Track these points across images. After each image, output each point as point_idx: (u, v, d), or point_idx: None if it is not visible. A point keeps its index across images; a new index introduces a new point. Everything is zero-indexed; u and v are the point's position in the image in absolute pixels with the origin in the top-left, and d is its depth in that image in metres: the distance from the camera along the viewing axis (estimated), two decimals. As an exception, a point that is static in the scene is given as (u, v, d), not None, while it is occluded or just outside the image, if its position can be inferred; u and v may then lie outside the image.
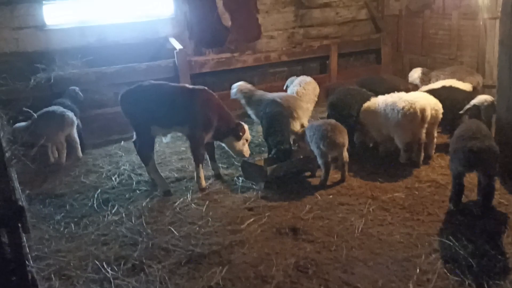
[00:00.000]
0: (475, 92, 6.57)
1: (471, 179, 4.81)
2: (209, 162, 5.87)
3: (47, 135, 6.14)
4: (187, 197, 5.24)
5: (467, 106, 5.51)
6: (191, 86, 5.67)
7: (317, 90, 7.27)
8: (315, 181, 5.44)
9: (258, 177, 5.39)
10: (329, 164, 5.28)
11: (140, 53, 7.98)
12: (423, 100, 5.49)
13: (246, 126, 5.69)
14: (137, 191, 5.51)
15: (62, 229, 4.73)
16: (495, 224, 4.21)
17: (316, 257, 3.89)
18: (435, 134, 5.81)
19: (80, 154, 6.73)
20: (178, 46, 7.91)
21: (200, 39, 8.62)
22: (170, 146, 6.98)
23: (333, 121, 5.44)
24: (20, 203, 3.26)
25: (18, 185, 4.64)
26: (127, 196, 5.40)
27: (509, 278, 3.50)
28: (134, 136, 5.70)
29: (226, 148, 5.86)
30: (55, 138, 6.37)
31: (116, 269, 3.92)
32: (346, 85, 6.80)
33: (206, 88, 5.65)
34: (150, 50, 8.18)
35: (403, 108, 5.38)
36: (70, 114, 6.45)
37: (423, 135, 5.55)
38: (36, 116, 6.22)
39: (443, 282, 3.49)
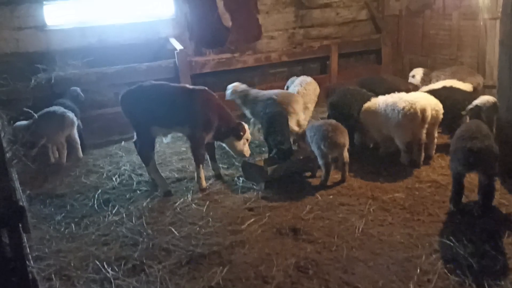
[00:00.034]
0: (475, 93, 6.58)
1: (472, 179, 4.81)
2: (210, 162, 5.87)
3: (48, 136, 6.16)
4: (188, 198, 5.24)
5: (470, 107, 5.50)
6: (191, 87, 5.67)
7: (318, 90, 7.27)
8: (315, 182, 5.44)
9: (259, 178, 5.39)
10: (330, 165, 5.28)
11: (140, 54, 7.99)
12: (424, 101, 5.49)
13: (246, 126, 5.70)
14: (138, 192, 5.52)
15: (62, 229, 4.73)
16: (496, 224, 4.21)
17: (317, 258, 3.89)
18: (436, 135, 5.81)
19: (81, 154, 6.74)
20: (178, 46, 7.92)
21: (200, 39, 8.62)
22: (171, 147, 6.98)
23: (333, 121, 5.44)
24: (21, 203, 3.26)
25: (18, 185, 4.63)
26: (127, 196, 5.40)
27: (509, 278, 3.50)
28: (135, 137, 5.71)
29: (227, 148, 5.86)
30: (55, 138, 6.38)
31: (116, 269, 3.92)
32: (347, 86, 6.80)
33: (206, 88, 5.65)
34: (151, 50, 8.19)
35: (403, 108, 5.38)
36: (71, 114, 6.46)
37: (424, 136, 5.55)
38: (36, 116, 6.23)
39: (443, 282, 3.49)
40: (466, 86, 6.40)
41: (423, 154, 5.64)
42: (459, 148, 4.29)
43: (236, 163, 6.11)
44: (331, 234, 4.26)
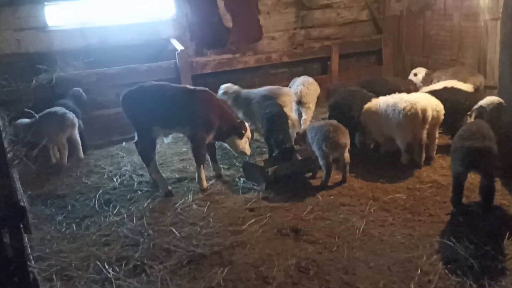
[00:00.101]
0: (476, 93, 6.57)
1: (472, 179, 4.80)
2: (210, 163, 5.87)
3: (49, 136, 6.16)
4: (189, 198, 5.25)
5: (474, 107, 5.49)
6: (192, 87, 5.68)
7: (318, 90, 7.30)
8: (316, 182, 5.44)
9: (259, 178, 5.39)
10: (331, 165, 5.28)
11: (141, 54, 8.00)
12: (424, 101, 5.48)
13: (247, 124, 5.72)
14: (139, 192, 5.52)
15: (63, 229, 4.74)
16: (497, 225, 4.20)
17: (317, 258, 3.89)
18: (437, 135, 5.81)
19: (82, 155, 6.75)
20: (179, 47, 7.93)
21: (201, 40, 8.63)
22: (172, 147, 6.99)
23: (334, 121, 5.44)
24: (22, 204, 3.26)
25: (19, 186, 4.65)
26: (128, 196, 5.41)
27: (510, 279, 3.49)
28: (136, 137, 5.71)
29: (228, 147, 5.87)
30: (56, 139, 6.39)
31: (117, 269, 3.92)
32: (347, 86, 6.80)
33: (207, 89, 5.66)
34: (152, 51, 8.20)
35: (404, 108, 5.38)
36: (71, 115, 6.47)
37: (424, 136, 5.54)
38: (37, 117, 6.24)
39: (444, 283, 3.48)
40: (467, 87, 6.39)
41: (424, 155, 5.63)
42: (458, 148, 4.30)
43: (237, 164, 6.11)
44: (332, 235, 4.26)
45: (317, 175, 5.56)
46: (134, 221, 4.78)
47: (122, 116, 5.79)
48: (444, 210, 4.56)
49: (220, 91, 6.90)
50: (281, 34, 9.29)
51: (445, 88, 6.18)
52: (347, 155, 5.30)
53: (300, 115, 7.01)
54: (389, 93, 5.86)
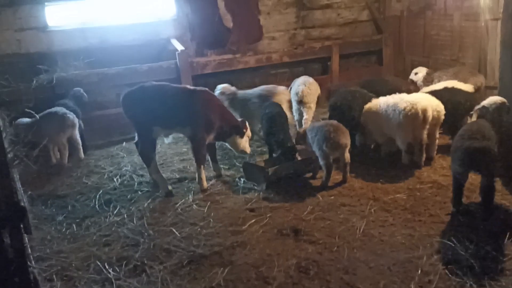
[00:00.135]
0: (477, 93, 6.57)
1: (473, 180, 4.80)
2: (211, 163, 5.88)
3: (49, 136, 6.16)
4: (189, 198, 5.25)
5: (477, 107, 5.49)
6: (192, 87, 5.68)
7: (319, 91, 7.30)
8: (316, 182, 5.44)
9: (260, 178, 5.39)
10: (331, 165, 5.27)
11: (142, 55, 8.00)
12: (425, 101, 5.48)
13: (247, 123, 5.73)
14: (139, 192, 5.52)
15: (64, 230, 4.74)
16: (497, 225, 4.20)
17: (318, 258, 3.89)
18: (437, 136, 5.80)
19: (82, 155, 6.75)
20: (180, 47, 7.93)
21: (201, 40, 8.63)
22: (172, 147, 6.99)
23: (335, 122, 5.44)
24: (22, 204, 3.26)
25: (20, 186, 4.64)
26: (128, 197, 5.41)
27: (510, 279, 3.49)
28: (136, 137, 5.71)
29: (229, 146, 5.87)
30: (56, 139, 6.39)
31: (117, 270, 3.92)
32: (348, 87, 6.80)
33: (207, 89, 5.66)
34: (152, 51, 8.20)
35: (404, 108, 5.38)
36: (71, 115, 6.47)
37: (425, 136, 5.54)
38: (38, 117, 6.24)
39: (444, 283, 3.48)
40: (467, 87, 6.39)
41: (424, 155, 5.63)
42: (457, 148, 4.31)
43: (237, 164, 6.11)
44: (332, 235, 4.26)
45: (317, 175, 5.56)
46: (135, 221, 4.79)
47: (122, 116, 5.79)
48: (444, 210, 4.56)
49: (217, 91, 6.91)
50: (282, 34, 9.29)
51: (445, 89, 6.18)
52: (347, 155, 5.30)
53: (301, 115, 7.01)
54: (390, 93, 5.85)
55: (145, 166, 5.73)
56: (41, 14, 7.55)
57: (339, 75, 9.26)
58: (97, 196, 5.45)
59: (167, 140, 6.43)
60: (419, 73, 7.65)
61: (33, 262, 3.52)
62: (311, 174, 5.62)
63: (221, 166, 6.01)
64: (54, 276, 3.90)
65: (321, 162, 5.27)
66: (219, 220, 4.69)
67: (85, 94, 7.11)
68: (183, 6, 8.39)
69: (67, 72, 7.37)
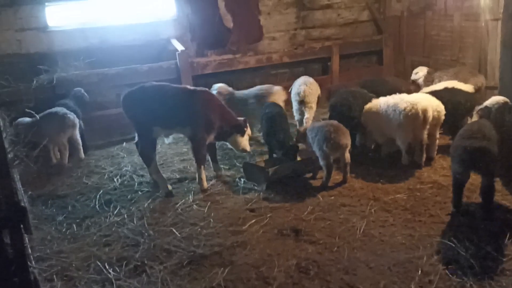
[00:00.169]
0: (477, 94, 6.57)
1: (473, 180, 4.79)
2: (211, 163, 5.88)
3: (49, 136, 6.16)
4: (189, 198, 5.25)
5: (480, 107, 5.48)
6: (192, 88, 5.68)
7: (319, 91, 7.30)
8: (316, 182, 5.44)
9: (260, 178, 5.39)
10: (331, 166, 5.27)
11: (142, 55, 8.01)
12: (425, 101, 5.48)
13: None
14: (139, 192, 5.52)
15: (64, 230, 4.74)
16: (497, 225, 4.19)
17: (318, 258, 3.89)
18: (437, 136, 5.80)
19: (82, 155, 6.75)
20: (180, 47, 7.93)
21: (202, 40, 8.63)
22: (172, 147, 6.99)
23: (335, 122, 5.43)
24: (23, 204, 3.26)
25: (20, 186, 4.64)
26: (129, 197, 5.41)
27: (511, 279, 3.48)
28: (136, 137, 5.71)
29: (230, 146, 5.87)
30: (57, 139, 6.39)
31: (118, 270, 3.92)
32: (348, 87, 6.80)
33: (207, 89, 5.66)
34: (152, 51, 8.20)
35: (404, 109, 5.38)
36: (72, 115, 6.47)
37: (425, 137, 5.54)
38: (38, 117, 6.24)
39: (444, 283, 3.48)
40: (468, 87, 6.39)
41: (424, 155, 5.63)
42: (457, 147, 4.32)
43: (238, 164, 6.11)
44: (332, 235, 4.26)
45: (317, 175, 5.56)
46: (135, 222, 4.79)
47: (122, 116, 5.79)
48: (444, 210, 4.56)
49: (213, 91, 6.93)
50: (282, 35, 9.29)
51: (445, 89, 6.18)
52: (347, 155, 5.30)
53: (301, 114, 7.02)
54: (390, 94, 5.85)
55: (145, 166, 5.73)
56: (41, 14, 7.55)
57: (339, 75, 9.26)
58: (97, 196, 5.45)
59: (167, 140, 6.43)
60: (419, 72, 7.64)
61: (33, 262, 3.53)
62: (311, 174, 5.62)
63: (221, 166, 6.01)
64: (54, 276, 3.90)
65: (321, 163, 5.27)
66: (219, 220, 4.69)
67: (86, 94, 7.11)
68: (183, 6, 8.39)
69: (67, 72, 7.38)
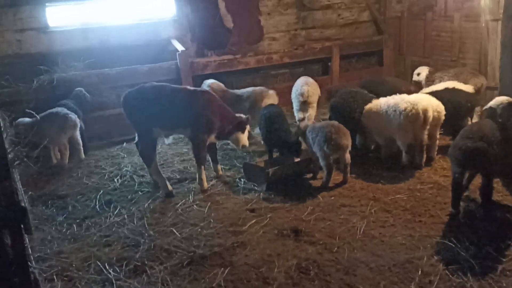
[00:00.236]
0: (477, 94, 6.57)
1: (474, 180, 4.79)
2: (211, 163, 5.88)
3: (50, 137, 6.16)
4: (189, 199, 5.25)
5: (484, 107, 5.48)
6: (192, 88, 5.68)
7: (319, 91, 7.32)
8: (316, 183, 5.44)
9: (260, 179, 5.39)
10: (332, 166, 5.27)
11: (142, 55, 8.01)
12: (425, 102, 5.48)
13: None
14: (139, 193, 5.52)
15: (64, 230, 4.74)
16: (498, 225, 4.20)
17: (318, 259, 3.89)
18: (437, 136, 5.80)
19: (83, 155, 6.75)
20: (180, 48, 7.94)
21: (202, 41, 8.64)
22: (172, 148, 6.99)
23: (336, 122, 5.43)
24: (23, 204, 3.26)
25: (20, 186, 4.65)
26: (129, 197, 5.41)
27: (511, 280, 3.48)
28: (136, 138, 5.71)
29: (231, 143, 5.88)
30: (57, 139, 6.39)
31: (118, 270, 3.92)
32: (348, 87, 6.81)
33: (208, 89, 5.66)
34: (152, 52, 8.20)
35: (405, 109, 5.38)
36: (73, 116, 6.47)
37: (425, 137, 5.54)
38: (39, 117, 6.24)
39: (445, 284, 3.48)
40: (468, 88, 6.39)
41: (424, 156, 5.63)
42: (453, 147, 4.34)
43: (238, 164, 6.11)
44: (332, 235, 4.25)
45: (318, 175, 5.56)
46: (135, 222, 4.79)
47: (123, 117, 5.79)
48: (444, 211, 4.55)
49: (204, 86, 6.93)
50: (282, 35, 9.30)
51: (446, 89, 6.18)
52: (348, 156, 5.29)
53: (303, 114, 7.05)
54: (390, 94, 5.85)
55: (145, 166, 5.73)
56: (41, 14, 7.55)
57: (340, 75, 9.26)
58: (98, 196, 5.46)
59: (168, 141, 6.43)
60: (422, 73, 7.64)
61: (33, 263, 3.52)
62: (311, 174, 5.62)
63: (222, 166, 6.01)
64: (54, 276, 3.89)
65: (322, 163, 5.27)
66: (220, 221, 4.69)
67: (87, 94, 7.11)
68: (183, 6, 8.40)
69: (67, 73, 7.38)
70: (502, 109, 5.29)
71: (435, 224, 4.33)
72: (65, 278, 3.89)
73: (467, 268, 3.61)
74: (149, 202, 5.23)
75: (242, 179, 5.65)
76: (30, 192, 5.49)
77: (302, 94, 6.94)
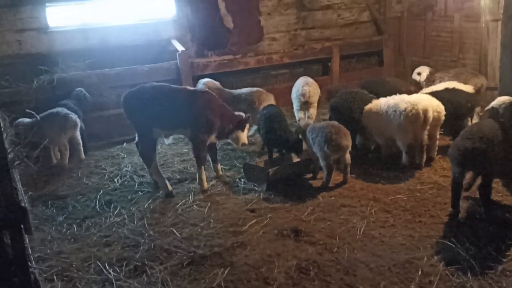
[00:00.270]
0: (477, 94, 6.57)
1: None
2: (211, 163, 5.88)
3: (50, 137, 6.16)
4: (189, 199, 5.25)
5: (487, 108, 5.47)
6: (193, 88, 5.69)
7: (319, 91, 7.32)
8: (316, 183, 5.44)
9: (260, 179, 5.39)
10: (332, 166, 5.27)
11: (142, 55, 8.01)
12: (425, 102, 5.48)
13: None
14: (139, 193, 5.52)
15: (64, 230, 4.74)
16: (498, 225, 4.20)
17: (318, 259, 3.89)
18: (438, 136, 5.80)
19: (83, 155, 6.75)
20: (180, 48, 7.94)
21: (202, 41, 8.64)
22: (172, 148, 6.99)
23: (336, 123, 5.43)
24: (23, 205, 3.26)
25: (20, 187, 4.65)
26: (129, 197, 5.41)
27: (511, 280, 3.48)
28: (136, 138, 5.71)
29: (231, 142, 5.88)
30: (57, 139, 6.39)
31: (118, 270, 3.92)
32: (348, 88, 6.81)
33: (208, 89, 5.66)
34: (153, 52, 8.20)
35: (405, 109, 5.38)
36: (73, 116, 6.47)
37: (425, 137, 5.54)
38: (39, 117, 6.24)
39: (445, 284, 3.48)
40: (468, 88, 6.39)
41: (425, 156, 5.63)
42: (452, 147, 4.35)
43: (238, 164, 6.11)
44: (332, 236, 4.25)
45: (318, 176, 5.56)
46: (135, 222, 4.79)
47: (123, 117, 5.79)
48: (444, 211, 4.55)
49: (199, 85, 6.92)
50: (282, 35, 9.30)
51: (446, 89, 6.18)
52: (348, 156, 5.30)
53: (304, 114, 7.05)
54: (390, 94, 5.86)
55: (145, 166, 5.73)
56: (42, 15, 7.56)
57: (340, 76, 9.26)
58: (98, 196, 5.46)
59: (168, 141, 6.43)
60: (422, 73, 7.63)
61: (33, 263, 3.53)
62: (311, 175, 5.62)
63: (222, 166, 6.01)
64: (54, 276, 3.89)
65: (322, 163, 5.27)
66: (220, 221, 4.69)
67: (87, 94, 7.12)
68: (183, 6, 8.40)
69: (67, 73, 7.38)
70: (504, 109, 5.28)
71: (435, 224, 4.33)
72: (65, 278, 3.89)
73: (467, 268, 3.61)
74: (149, 202, 5.23)
75: (242, 179, 5.65)
76: (30, 192, 5.49)
77: (303, 95, 6.95)
